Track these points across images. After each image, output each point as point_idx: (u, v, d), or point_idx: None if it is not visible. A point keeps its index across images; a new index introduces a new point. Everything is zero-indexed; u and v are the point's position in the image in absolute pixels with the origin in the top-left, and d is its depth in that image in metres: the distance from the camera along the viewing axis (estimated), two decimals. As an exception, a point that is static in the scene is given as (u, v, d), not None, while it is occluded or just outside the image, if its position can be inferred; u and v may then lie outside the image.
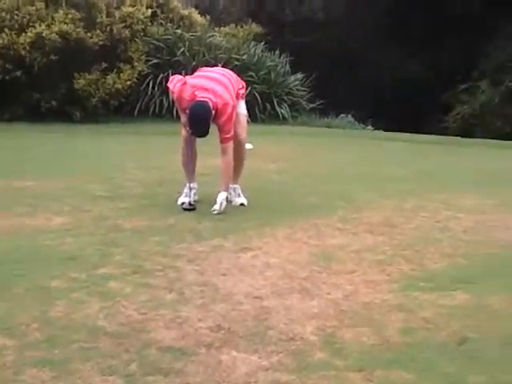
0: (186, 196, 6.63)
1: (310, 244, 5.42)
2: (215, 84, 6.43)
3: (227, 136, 6.45)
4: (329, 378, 3.19)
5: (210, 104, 6.23)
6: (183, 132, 6.62)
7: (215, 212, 6.31)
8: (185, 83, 6.43)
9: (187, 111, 6.29)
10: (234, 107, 6.50)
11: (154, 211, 6.42)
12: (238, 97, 6.67)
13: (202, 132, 6.28)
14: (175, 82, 6.52)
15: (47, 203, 6.63)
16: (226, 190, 6.53)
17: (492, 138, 15.58)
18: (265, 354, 3.42)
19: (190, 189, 6.67)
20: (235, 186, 6.81)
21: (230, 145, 6.53)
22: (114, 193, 7.19)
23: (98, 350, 3.43)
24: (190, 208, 6.47)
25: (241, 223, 6.00)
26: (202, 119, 6.22)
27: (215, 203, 6.35)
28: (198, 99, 6.26)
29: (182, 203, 6.56)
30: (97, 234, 5.58)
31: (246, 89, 7.44)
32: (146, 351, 3.43)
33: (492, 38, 20.90)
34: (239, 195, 6.84)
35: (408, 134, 14.44)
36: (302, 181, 8.25)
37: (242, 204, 6.78)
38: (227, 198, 6.53)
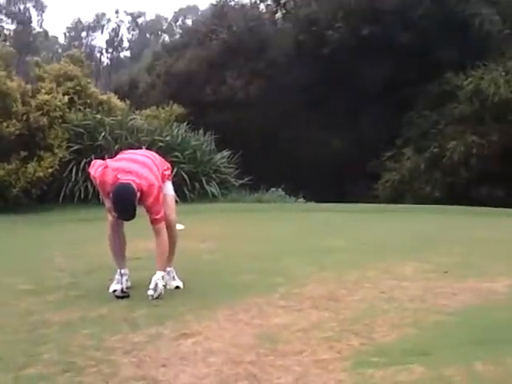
0: (117, 283, 6.26)
1: (253, 325, 5.11)
2: (138, 166, 6.19)
3: (157, 217, 6.18)
4: None
5: (134, 186, 5.97)
6: (109, 218, 6.32)
7: (150, 297, 5.97)
8: (106, 167, 6.17)
9: (111, 195, 6.00)
10: (161, 188, 6.24)
11: (85, 302, 6.02)
12: (163, 178, 6.43)
13: (128, 215, 6.00)
14: (96, 167, 6.26)
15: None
16: (163, 269, 6.22)
17: (422, 204, 15.66)
18: None
19: (122, 275, 6.29)
20: (169, 268, 6.50)
21: (163, 225, 6.25)
22: (40, 285, 6.76)
23: None
24: (123, 295, 6.11)
25: (178, 307, 5.67)
26: (126, 201, 5.95)
27: (150, 284, 6.03)
28: (120, 181, 5.99)
29: (114, 290, 6.19)
30: (22, 331, 5.15)
31: (172, 170, 7.18)
32: None
33: (414, 106, 21.38)
34: (174, 278, 6.55)
35: (340, 204, 14.38)
36: (234, 259, 7.96)
37: (177, 287, 6.49)
38: (163, 278, 6.19)
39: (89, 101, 16.20)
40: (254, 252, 8.45)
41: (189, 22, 59.03)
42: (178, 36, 38.45)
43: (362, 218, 12.51)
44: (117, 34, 69.49)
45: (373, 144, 20.97)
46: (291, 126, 22.12)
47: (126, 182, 5.98)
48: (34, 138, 14.36)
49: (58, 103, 14.74)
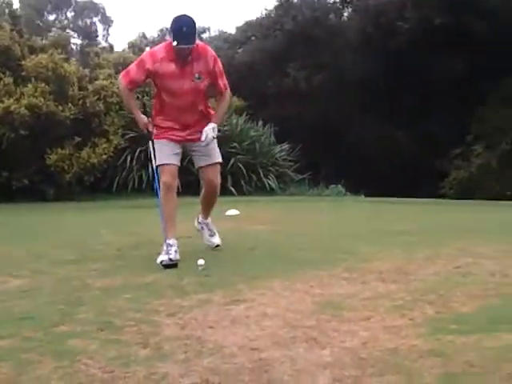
0: (165, 254, 5.77)
1: (312, 293, 4.56)
2: None
3: (226, 84, 6.20)
4: None
5: None
6: (163, 178, 5.96)
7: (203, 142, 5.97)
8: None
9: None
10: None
11: (129, 270, 5.59)
12: None
13: (190, 31, 5.73)
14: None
15: (2, 268, 5.81)
16: (218, 123, 6.14)
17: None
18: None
19: (170, 245, 5.81)
20: (207, 221, 6.47)
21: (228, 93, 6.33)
22: (83, 256, 6.44)
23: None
24: (171, 264, 5.60)
25: (230, 277, 5.17)
26: (186, 17, 5.80)
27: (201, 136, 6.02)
28: None
29: (162, 261, 5.69)
30: (60, 294, 4.74)
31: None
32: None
33: (484, 101, 20.45)
34: (214, 234, 6.47)
35: (404, 198, 13.72)
36: (294, 239, 7.50)
37: (217, 246, 6.37)
38: (213, 130, 6.04)
39: (147, 89, 15.83)
40: (314, 233, 8.01)
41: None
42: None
43: (428, 209, 11.89)
44: (181, 50, 69.68)
45: (440, 141, 20.17)
46: (355, 121, 21.48)
47: None
48: (89, 124, 14.10)
49: (116, 89, 14.43)
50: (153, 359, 3.23)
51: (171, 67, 5.86)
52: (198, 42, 5.90)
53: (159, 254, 5.88)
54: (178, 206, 6.07)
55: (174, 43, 5.68)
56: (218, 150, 6.29)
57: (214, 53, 6.07)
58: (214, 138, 6.02)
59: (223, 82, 6.13)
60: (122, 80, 6.08)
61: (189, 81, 5.91)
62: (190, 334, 3.63)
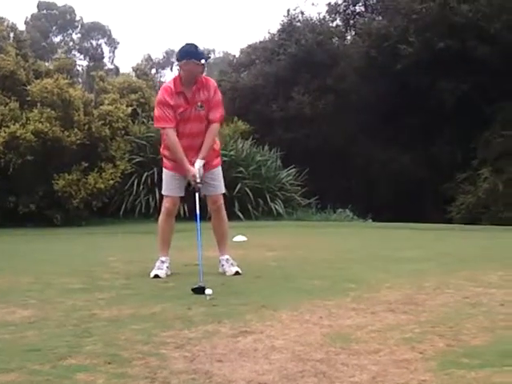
0: (158, 268, 6.63)
1: (321, 325, 4.55)
2: None
3: (222, 114, 6.65)
4: None
5: None
6: (165, 205, 6.73)
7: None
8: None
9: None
10: None
11: (137, 300, 5.58)
12: None
13: (199, 51, 6.41)
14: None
15: (11, 298, 5.78)
16: (205, 156, 6.53)
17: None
18: None
19: (162, 262, 6.67)
20: (224, 257, 6.75)
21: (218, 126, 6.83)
22: (91, 284, 6.42)
23: None
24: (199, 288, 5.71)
25: (237, 307, 5.17)
26: (194, 45, 6.51)
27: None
28: None
29: (156, 275, 6.54)
30: (67, 325, 4.71)
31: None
32: None
33: (489, 125, 20.42)
34: (232, 264, 6.72)
35: (411, 223, 13.71)
36: (301, 266, 7.51)
37: (237, 273, 6.61)
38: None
39: (153, 113, 15.89)
40: (322, 260, 7.98)
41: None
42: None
43: (437, 235, 11.85)
44: (185, 71, 69.69)
45: (446, 165, 20.19)
46: (360, 144, 21.52)
47: None
48: (95, 149, 14.15)
49: (121, 114, 14.54)
50: (160, 394, 3.22)
51: (180, 99, 6.39)
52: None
53: (153, 268, 6.70)
54: (174, 229, 6.93)
55: (185, 60, 6.30)
56: (222, 180, 6.87)
57: (215, 84, 6.65)
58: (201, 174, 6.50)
59: (219, 113, 6.63)
60: (163, 125, 6.52)
61: (193, 109, 6.43)
62: (197, 368, 3.60)
